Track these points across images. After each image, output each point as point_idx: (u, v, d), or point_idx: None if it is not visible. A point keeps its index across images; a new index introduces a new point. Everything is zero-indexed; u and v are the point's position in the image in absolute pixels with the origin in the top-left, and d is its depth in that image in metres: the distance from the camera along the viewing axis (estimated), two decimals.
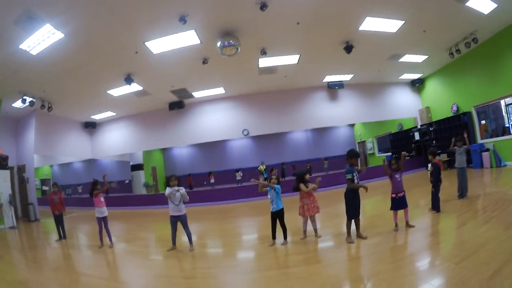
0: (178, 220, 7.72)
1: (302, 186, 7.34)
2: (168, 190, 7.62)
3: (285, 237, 7.12)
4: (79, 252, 9.24)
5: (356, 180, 6.71)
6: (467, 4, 11.36)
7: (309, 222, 7.48)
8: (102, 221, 9.26)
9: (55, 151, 20.20)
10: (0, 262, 8.25)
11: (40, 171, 27.64)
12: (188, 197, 7.78)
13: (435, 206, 8.33)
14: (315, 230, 7.38)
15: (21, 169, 17.99)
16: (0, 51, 10.87)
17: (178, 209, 7.67)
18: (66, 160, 26.24)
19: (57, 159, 25.31)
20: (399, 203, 7.13)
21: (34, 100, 15.18)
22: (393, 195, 7.22)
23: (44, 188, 29.12)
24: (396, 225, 7.07)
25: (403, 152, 7.62)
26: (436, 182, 8.50)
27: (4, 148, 16.19)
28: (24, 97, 14.75)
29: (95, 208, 9.38)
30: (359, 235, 6.76)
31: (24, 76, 13.16)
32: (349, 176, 6.64)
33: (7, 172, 16.05)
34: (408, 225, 7.09)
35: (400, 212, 7.20)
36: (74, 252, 9.20)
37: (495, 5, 11.68)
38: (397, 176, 7.29)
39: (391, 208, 7.22)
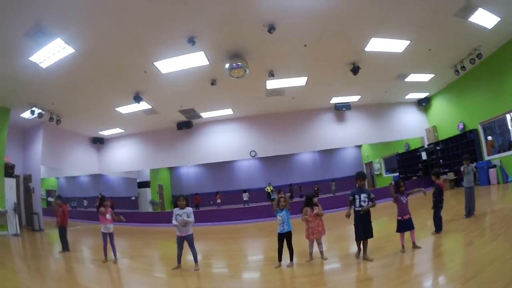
0: (184, 240, 7.60)
1: (304, 210, 7.47)
2: (174, 218, 7.56)
3: (291, 259, 7.07)
4: (82, 265, 9.24)
5: (358, 203, 6.84)
6: (470, 19, 11.37)
7: (315, 244, 7.42)
8: (108, 237, 9.27)
9: (62, 163, 20.31)
10: (2, 269, 8.30)
11: (46, 182, 27.61)
12: (193, 220, 7.64)
13: (437, 226, 8.29)
14: (321, 252, 7.29)
15: (27, 178, 18.00)
16: (10, 62, 10.98)
17: (185, 229, 7.55)
18: (73, 173, 26.29)
19: (64, 172, 25.30)
20: (405, 225, 7.07)
21: (43, 112, 15.26)
22: (399, 218, 7.17)
23: (50, 199, 29.13)
24: (403, 246, 6.98)
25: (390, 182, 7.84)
26: (436, 203, 8.42)
27: (11, 157, 16.23)
28: (33, 109, 14.84)
29: (101, 223, 9.40)
30: (365, 257, 6.77)
31: (33, 88, 13.27)
32: (350, 198, 6.96)
33: (13, 181, 16.06)
34: (414, 246, 6.99)
35: (407, 234, 7.12)
36: (77, 265, 9.20)
37: (498, 19, 11.66)
38: (402, 198, 7.28)
39: (397, 231, 7.16)
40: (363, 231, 6.76)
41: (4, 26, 9.00)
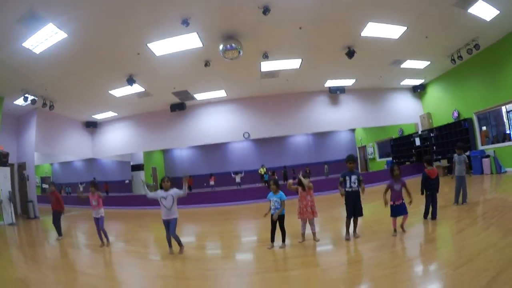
0: (169, 224, 7.41)
1: (288, 183, 7.76)
2: (152, 193, 7.57)
3: (283, 240, 7.13)
4: (78, 251, 9.27)
5: (348, 183, 7.23)
6: (469, 10, 11.38)
7: (308, 225, 7.47)
8: (98, 221, 9.21)
9: (56, 149, 20.30)
10: None
11: (41, 169, 27.60)
12: (185, 192, 7.47)
13: (425, 213, 8.45)
14: (314, 234, 7.37)
15: (22, 166, 18.02)
16: (2, 49, 10.91)
17: (170, 213, 7.38)
18: (66, 159, 26.24)
19: (58, 158, 25.26)
20: (397, 210, 7.17)
21: (36, 98, 15.24)
22: (391, 203, 7.26)
23: (44, 186, 29.12)
24: (395, 230, 7.14)
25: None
26: (422, 190, 8.56)
27: (5, 145, 16.22)
28: (26, 95, 14.80)
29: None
30: (354, 235, 7.32)
31: (26, 74, 13.22)
32: (340, 179, 7.39)
33: (7, 169, 16.07)
34: (402, 229, 7.25)
35: (400, 219, 7.23)
36: (72, 251, 9.23)
37: (498, 12, 11.68)
38: (396, 187, 7.36)
39: (391, 215, 7.26)
40: (353, 209, 7.18)
41: None
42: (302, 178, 7.43)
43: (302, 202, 7.36)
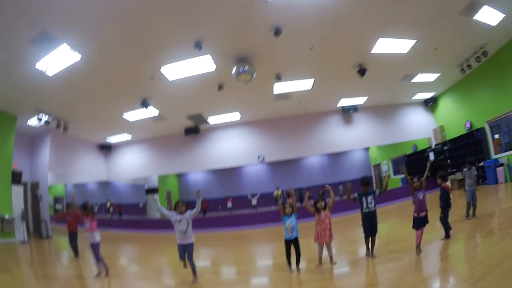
0: (185, 249, 7.08)
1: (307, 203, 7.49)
2: (168, 212, 7.31)
3: (297, 263, 7.00)
4: (90, 273, 9.27)
5: (365, 205, 7.23)
6: (475, 17, 11.29)
7: (325, 248, 7.23)
8: (91, 248, 8.30)
9: (70, 170, 20.30)
10: (9, 275, 8.35)
11: (54, 189, 27.86)
12: (198, 209, 7.24)
13: (446, 232, 7.79)
14: (331, 257, 7.15)
15: (35, 185, 17.99)
16: (16, 70, 11.00)
17: (186, 237, 7.06)
18: (80, 180, 26.41)
19: (72, 179, 25.46)
20: (422, 222, 6.91)
21: (50, 119, 15.25)
22: (415, 214, 6.99)
23: (58, 206, 29.31)
24: (419, 247, 6.77)
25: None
26: (444, 207, 8.00)
27: (18, 164, 16.21)
28: (40, 116, 14.82)
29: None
30: (371, 253, 7.26)
31: (40, 95, 13.31)
32: (355, 195, 7.40)
33: (21, 188, 16.03)
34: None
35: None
36: (85, 272, 9.23)
37: (503, 15, 11.55)
38: (419, 194, 7.05)
39: (413, 227, 6.99)
40: (369, 228, 7.17)
41: (9, 33, 9.02)
42: (316, 204, 7.22)
43: (320, 226, 7.11)
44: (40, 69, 10.93)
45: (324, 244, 7.19)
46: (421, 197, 7.02)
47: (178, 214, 7.16)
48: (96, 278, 7.87)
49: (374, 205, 7.17)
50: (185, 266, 7.29)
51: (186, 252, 7.09)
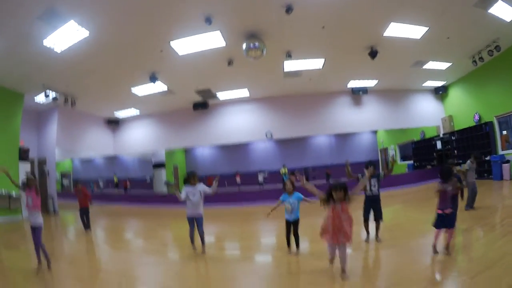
0: (195, 220, 7.34)
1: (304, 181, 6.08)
2: (183, 194, 7.30)
3: (297, 246, 6.96)
4: (97, 247, 9.36)
5: (368, 187, 7.15)
6: (490, 11, 11.17)
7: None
8: (34, 233, 6.62)
9: (77, 145, 20.45)
10: (15, 251, 8.50)
11: (61, 165, 28.09)
12: (213, 191, 7.44)
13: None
14: (343, 268, 5.30)
15: (42, 162, 18.16)
16: (24, 47, 11.01)
17: (196, 208, 7.27)
18: (87, 155, 26.57)
19: (79, 154, 25.62)
20: (445, 221, 5.95)
21: (57, 95, 15.34)
22: (439, 211, 6.03)
23: (65, 182, 29.58)
24: (435, 248, 5.94)
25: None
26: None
27: (26, 141, 16.31)
28: (47, 92, 14.89)
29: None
30: (376, 239, 7.21)
31: (47, 72, 13.33)
32: (359, 175, 7.19)
33: (28, 165, 16.22)
34: (447, 249, 5.90)
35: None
36: (91, 247, 9.38)
37: None
38: (448, 188, 6.07)
39: (434, 225, 6.08)
40: (373, 213, 7.14)
41: (17, 9, 9.01)
42: (332, 192, 5.26)
43: (334, 222, 5.22)
44: (48, 45, 10.92)
45: (337, 246, 5.33)
46: (449, 189, 6.05)
47: (190, 186, 7.32)
48: (37, 271, 6.37)
49: (378, 189, 7.12)
50: (194, 247, 7.49)
51: (196, 223, 7.30)
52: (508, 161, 15.39)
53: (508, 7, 11.08)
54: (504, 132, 16.25)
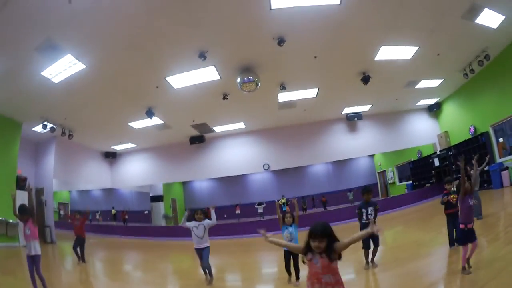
0: (201, 252, 7.45)
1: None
2: (187, 223, 7.54)
3: (297, 278, 6.78)
4: (94, 278, 9.31)
5: (365, 216, 7.09)
6: (477, 21, 11.26)
7: None
8: (32, 262, 6.67)
9: (75, 177, 20.49)
10: (12, 278, 8.46)
11: (59, 195, 27.87)
12: (214, 221, 7.67)
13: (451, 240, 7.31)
14: None
15: (40, 191, 18.09)
16: (22, 77, 11.08)
17: (202, 241, 7.45)
18: (85, 187, 26.49)
19: (76, 185, 25.53)
20: (469, 236, 5.57)
21: (55, 126, 15.34)
22: (462, 226, 5.68)
23: (62, 212, 29.39)
24: (465, 267, 5.42)
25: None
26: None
27: (23, 170, 16.30)
28: (45, 123, 14.93)
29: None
30: (372, 264, 7.07)
31: (45, 103, 13.39)
32: (357, 212, 7.29)
33: (25, 193, 16.10)
34: (468, 264, 5.50)
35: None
36: (88, 278, 9.33)
37: (503, 17, 11.44)
38: (469, 200, 5.76)
39: (459, 243, 5.90)
40: (370, 241, 6.94)
41: (15, 41, 9.11)
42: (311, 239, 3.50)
43: (314, 281, 3.37)
44: (45, 76, 11.01)
45: None
46: (471, 203, 5.75)
47: (196, 221, 7.54)
48: None
49: (375, 217, 7.08)
50: (206, 279, 7.58)
51: (202, 254, 7.41)
52: (506, 168, 15.33)
53: (494, 14, 11.13)
54: (501, 140, 16.16)
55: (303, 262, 3.63)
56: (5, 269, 9.65)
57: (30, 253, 6.55)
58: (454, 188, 7.43)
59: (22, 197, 14.87)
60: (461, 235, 5.74)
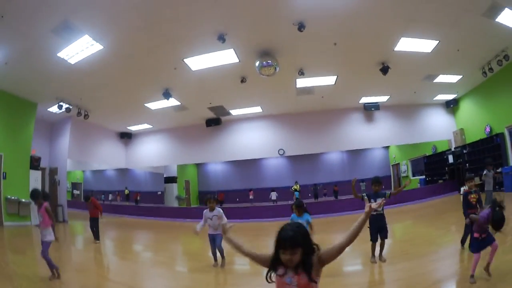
0: (214, 238, 7.57)
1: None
2: (202, 222, 7.56)
3: None
4: (105, 257, 9.42)
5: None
6: (497, 19, 11.07)
7: None
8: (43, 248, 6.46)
9: (89, 157, 20.71)
10: (22, 257, 8.53)
11: (72, 175, 28.22)
12: (225, 219, 7.62)
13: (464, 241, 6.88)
14: None
15: (53, 171, 18.35)
16: (38, 58, 11.19)
17: (215, 230, 7.53)
18: (99, 167, 26.68)
19: (90, 165, 25.74)
20: (486, 241, 5.18)
21: (71, 107, 15.48)
22: (477, 235, 5.25)
23: (75, 192, 29.72)
24: (473, 276, 5.03)
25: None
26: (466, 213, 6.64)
27: (37, 150, 16.56)
28: (61, 104, 15.10)
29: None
30: (380, 258, 6.93)
31: (61, 83, 13.51)
32: (364, 195, 7.10)
33: (39, 173, 16.41)
34: (487, 271, 5.09)
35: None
36: (99, 256, 9.45)
37: None
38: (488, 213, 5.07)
39: (471, 250, 5.40)
40: (378, 232, 6.88)
41: (32, 22, 9.16)
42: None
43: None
44: (62, 57, 11.07)
45: None
46: (487, 213, 5.07)
47: (209, 211, 7.59)
48: (51, 277, 6.25)
49: (382, 208, 6.88)
50: (215, 264, 7.62)
51: (215, 240, 7.51)
52: None
53: None
54: None
55: (268, 281, 2.58)
56: (16, 248, 9.76)
57: (42, 238, 6.46)
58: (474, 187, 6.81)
59: (35, 176, 15.13)
60: (475, 243, 5.29)
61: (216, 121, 20.40)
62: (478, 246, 5.16)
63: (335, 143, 21.06)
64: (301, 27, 10.12)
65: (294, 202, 7.24)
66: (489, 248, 5.11)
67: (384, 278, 6.16)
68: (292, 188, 24.23)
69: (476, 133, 18.75)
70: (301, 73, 13.73)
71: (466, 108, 19.96)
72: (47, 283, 6.06)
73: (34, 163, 15.78)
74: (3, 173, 13.87)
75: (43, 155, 17.25)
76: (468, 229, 6.41)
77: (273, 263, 2.58)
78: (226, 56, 12.04)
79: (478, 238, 5.17)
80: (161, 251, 10.39)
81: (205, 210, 7.69)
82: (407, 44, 12.40)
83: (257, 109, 19.54)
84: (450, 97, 20.18)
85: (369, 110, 20.01)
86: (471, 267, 5.10)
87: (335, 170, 28.92)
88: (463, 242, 6.92)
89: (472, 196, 6.47)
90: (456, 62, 14.63)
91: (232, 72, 13.42)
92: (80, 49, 10.65)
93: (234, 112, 19.50)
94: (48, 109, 16.36)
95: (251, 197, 26.49)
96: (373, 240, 6.91)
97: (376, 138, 21.03)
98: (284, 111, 20.39)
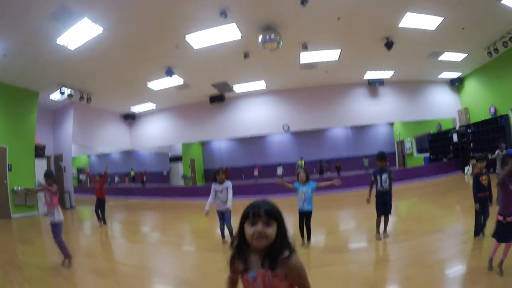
0: (223, 214, 7.53)
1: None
2: (211, 196, 7.53)
3: (308, 239, 6.94)
4: (113, 240, 9.50)
5: (379, 183, 6.91)
6: (503, 1, 11.04)
7: None
8: (52, 230, 6.52)
9: (94, 141, 20.77)
10: (31, 247, 8.54)
11: (78, 160, 28.40)
12: (231, 196, 7.53)
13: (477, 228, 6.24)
14: None
15: (58, 158, 18.42)
16: (36, 46, 11.14)
17: (224, 205, 7.47)
18: (104, 151, 26.79)
19: (95, 149, 25.90)
20: (507, 231, 4.56)
21: (73, 92, 15.54)
22: (500, 218, 4.64)
23: (81, 177, 29.89)
24: (491, 263, 4.63)
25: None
26: (476, 198, 6.13)
27: (42, 138, 16.63)
28: (62, 90, 15.10)
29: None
30: (384, 234, 7.00)
31: (62, 70, 13.49)
32: (372, 178, 7.04)
33: (44, 161, 16.49)
34: (500, 268, 4.50)
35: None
36: (107, 240, 9.52)
37: None
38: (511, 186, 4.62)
39: (494, 236, 4.70)
40: (383, 207, 6.90)
41: (29, 9, 9.10)
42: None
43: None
44: (61, 43, 11.03)
45: None
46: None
47: (218, 184, 7.54)
48: (62, 263, 6.32)
49: (389, 184, 6.92)
50: (223, 241, 7.64)
51: (224, 216, 7.51)
52: None
53: None
54: None
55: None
56: (24, 239, 9.79)
57: (51, 220, 6.43)
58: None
59: (41, 165, 15.21)
60: (500, 230, 4.61)
61: (219, 98, 20.41)
62: (504, 233, 4.55)
63: (339, 119, 20.99)
64: (304, 1, 9.97)
65: (300, 170, 7.17)
66: (503, 245, 4.57)
67: (389, 255, 6.17)
68: (298, 163, 24.39)
69: (480, 113, 18.73)
70: (305, 47, 13.65)
71: (471, 87, 19.87)
72: (57, 271, 6.09)
73: (39, 151, 15.85)
74: (8, 165, 13.99)
75: (47, 143, 17.34)
76: (479, 217, 6.17)
77: (234, 253, 2.08)
78: (229, 32, 11.94)
79: (502, 222, 4.56)
80: (169, 231, 10.42)
81: (213, 184, 7.61)
82: (412, 20, 12.30)
83: (261, 85, 19.46)
84: (455, 75, 20.10)
85: (374, 85, 19.96)
86: (490, 253, 4.67)
87: (339, 146, 29.17)
88: (477, 232, 6.22)
89: (484, 177, 6.02)
90: (461, 40, 14.54)
91: (234, 47, 13.31)
92: (79, 33, 10.60)
93: (238, 87, 19.42)
94: (50, 97, 16.44)
95: (256, 173, 26.57)
96: (379, 214, 6.93)
97: (381, 114, 20.99)
98: (288, 86, 20.30)
